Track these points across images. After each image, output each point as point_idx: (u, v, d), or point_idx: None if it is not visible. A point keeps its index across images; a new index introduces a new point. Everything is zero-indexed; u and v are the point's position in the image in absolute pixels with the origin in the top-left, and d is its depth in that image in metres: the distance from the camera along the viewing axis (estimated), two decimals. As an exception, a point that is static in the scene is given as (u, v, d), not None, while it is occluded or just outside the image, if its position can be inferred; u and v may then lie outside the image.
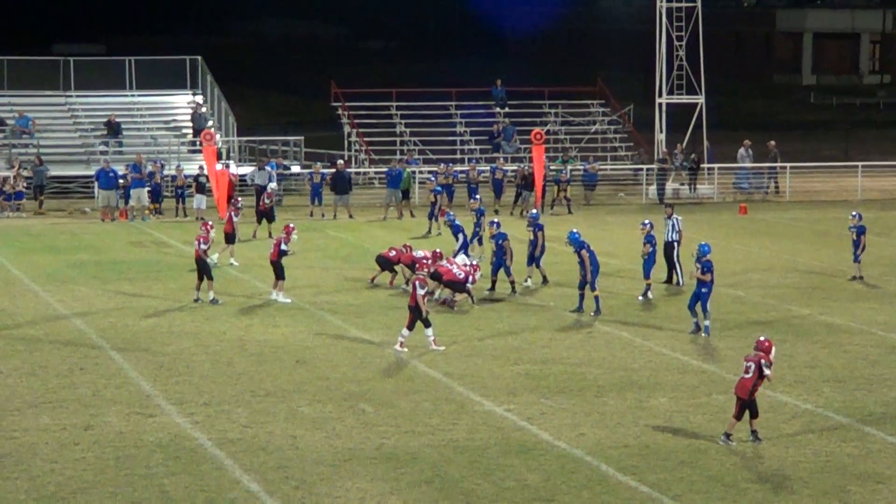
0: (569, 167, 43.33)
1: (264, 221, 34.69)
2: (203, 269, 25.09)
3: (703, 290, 22.14)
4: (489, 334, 22.64)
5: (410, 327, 21.07)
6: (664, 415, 17.50)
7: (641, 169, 45.52)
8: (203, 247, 25.13)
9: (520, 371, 19.94)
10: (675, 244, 27.37)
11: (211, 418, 17.24)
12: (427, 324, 21.12)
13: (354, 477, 14.95)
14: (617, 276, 27.90)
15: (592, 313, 24.06)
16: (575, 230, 25.14)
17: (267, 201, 35.11)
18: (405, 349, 20.99)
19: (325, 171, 41.11)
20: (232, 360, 20.67)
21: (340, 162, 41.87)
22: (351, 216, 39.86)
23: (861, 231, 27.72)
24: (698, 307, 22.31)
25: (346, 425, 16.95)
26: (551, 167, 43.37)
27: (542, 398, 18.36)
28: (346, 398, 18.29)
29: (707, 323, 21.99)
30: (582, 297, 24.37)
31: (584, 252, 24.32)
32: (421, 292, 20.88)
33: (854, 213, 28.44)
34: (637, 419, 17.28)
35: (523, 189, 41.12)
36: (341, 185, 40.21)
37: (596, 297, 24.15)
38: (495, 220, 27.22)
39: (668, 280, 27.41)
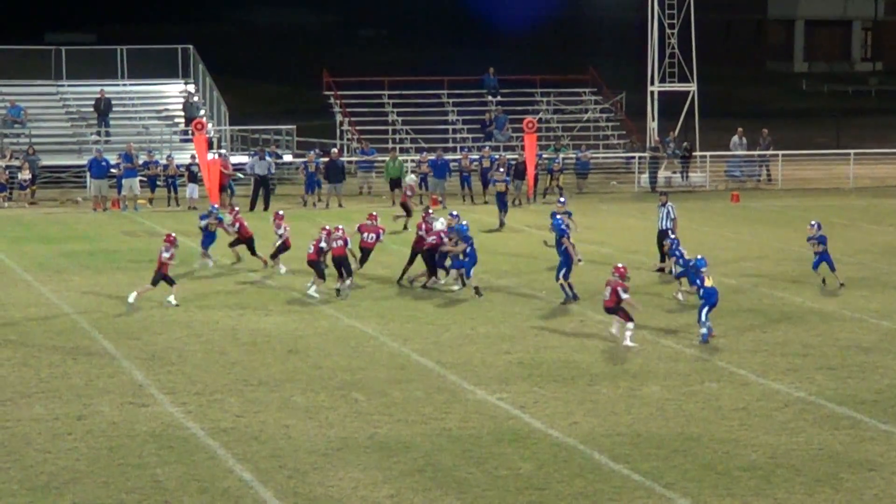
0: (561, 155, 43.33)
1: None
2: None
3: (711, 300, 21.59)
4: (481, 322, 22.61)
5: (628, 318, 20.78)
6: (657, 403, 17.50)
7: (634, 157, 45.51)
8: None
9: (512, 359, 19.93)
10: (670, 231, 27.34)
11: (203, 408, 17.22)
12: (630, 319, 20.80)
13: (347, 466, 14.94)
14: (608, 264, 27.84)
15: (562, 302, 24.07)
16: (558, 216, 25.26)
17: (409, 193, 34.80)
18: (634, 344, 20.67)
19: (319, 159, 41.07)
20: (224, 349, 20.64)
21: (334, 150, 41.85)
22: (341, 205, 39.79)
23: (822, 241, 25.79)
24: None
25: (339, 414, 16.93)
26: (543, 155, 43.35)
27: (534, 386, 18.35)
28: (339, 387, 18.28)
29: (703, 331, 21.28)
30: (571, 285, 24.34)
31: (565, 239, 24.44)
32: (625, 295, 20.76)
33: (813, 222, 26.44)
34: (630, 407, 17.27)
35: (514, 178, 41.11)
36: (335, 173, 40.17)
37: (562, 286, 24.23)
38: (454, 211, 26.75)
39: (661, 269, 27.40)
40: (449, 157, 43.16)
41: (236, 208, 28.97)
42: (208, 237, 27.76)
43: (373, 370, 19.26)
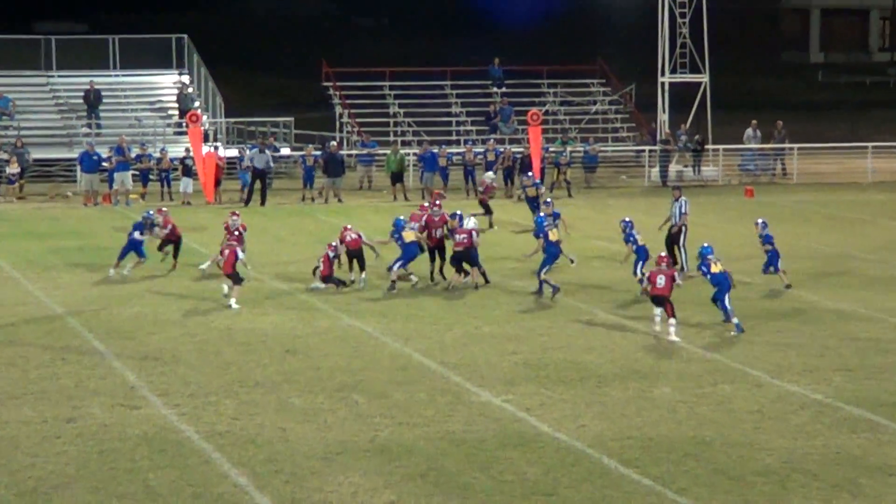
0: (568, 149, 43.31)
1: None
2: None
3: (725, 285, 22.01)
4: (486, 322, 22.61)
5: (673, 313, 21.27)
6: (668, 405, 17.46)
7: (644, 150, 45.50)
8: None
9: (518, 360, 19.92)
10: (683, 228, 27.30)
11: (198, 410, 17.20)
12: (674, 314, 21.24)
13: (347, 470, 14.91)
14: (617, 261, 27.84)
15: (535, 293, 24.40)
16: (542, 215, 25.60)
17: (480, 188, 34.66)
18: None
19: (317, 153, 41.05)
20: (219, 349, 20.62)
21: (333, 143, 41.85)
22: (340, 200, 39.79)
23: (768, 240, 25.77)
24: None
25: (338, 417, 16.91)
26: (550, 149, 43.31)
27: (541, 388, 18.33)
28: (338, 389, 18.25)
29: (735, 321, 21.66)
30: (542, 283, 24.62)
31: (541, 240, 25.07)
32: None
33: (758, 220, 26.39)
34: (640, 410, 17.24)
35: (511, 172, 41.09)
36: (334, 167, 40.17)
37: (543, 282, 24.54)
38: (457, 212, 26.90)
39: (673, 261, 27.39)
40: (453, 150, 43.18)
41: (164, 209, 28.53)
42: (134, 245, 26.68)
43: (373, 371, 19.24)
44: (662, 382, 18.61)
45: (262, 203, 38.64)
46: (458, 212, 26.70)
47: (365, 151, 44.03)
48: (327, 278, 25.23)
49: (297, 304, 24.13)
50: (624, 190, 42.79)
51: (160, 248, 27.32)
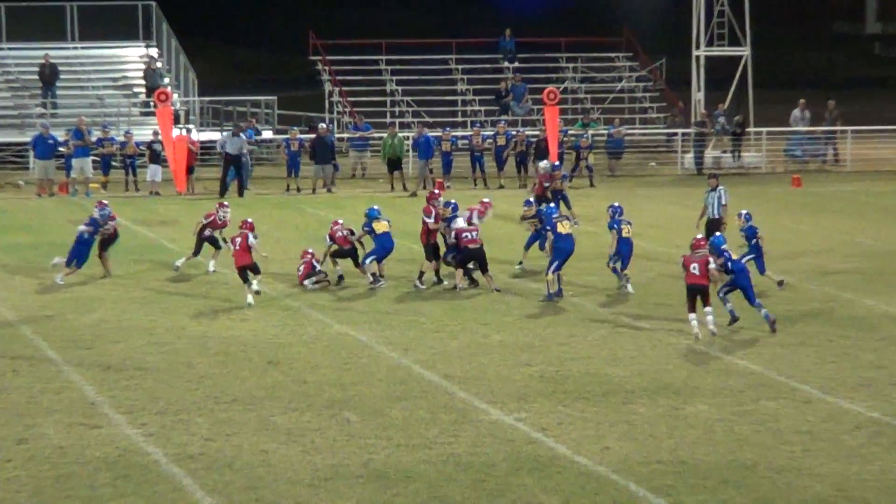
0: (590, 131, 43.34)
1: None
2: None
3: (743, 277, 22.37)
4: (496, 329, 22.61)
5: (708, 301, 21.75)
6: (704, 424, 17.45)
7: (676, 134, 45.61)
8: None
9: (533, 373, 19.92)
10: (722, 221, 27.31)
11: (167, 430, 17.19)
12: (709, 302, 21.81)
13: (337, 499, 14.90)
14: (646, 259, 27.80)
15: (550, 297, 24.57)
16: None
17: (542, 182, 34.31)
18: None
19: (304, 136, 41.10)
20: (192, 360, 20.63)
21: (322, 126, 41.97)
22: (329, 190, 39.80)
23: (752, 233, 25.53)
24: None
25: (328, 438, 16.90)
26: (569, 132, 43.36)
27: (559, 405, 18.30)
28: (328, 405, 18.25)
29: (764, 311, 22.22)
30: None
31: (549, 232, 25.10)
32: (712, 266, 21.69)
33: (742, 212, 26.04)
34: (672, 430, 17.23)
35: (524, 159, 41.14)
36: (323, 153, 40.22)
37: (550, 283, 24.68)
38: (452, 201, 26.95)
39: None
40: (458, 133, 43.25)
41: (105, 201, 28.42)
42: (84, 246, 26.41)
43: (368, 385, 19.24)
44: (697, 398, 18.58)
45: (240, 193, 38.70)
46: (453, 201, 26.77)
47: (358, 135, 44.19)
48: (311, 274, 25.79)
49: (281, 309, 24.13)
50: (653, 178, 42.82)
51: (101, 251, 26.85)
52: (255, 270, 24.55)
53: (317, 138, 40.60)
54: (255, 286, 24.36)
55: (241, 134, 40.14)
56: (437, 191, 27.59)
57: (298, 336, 22.16)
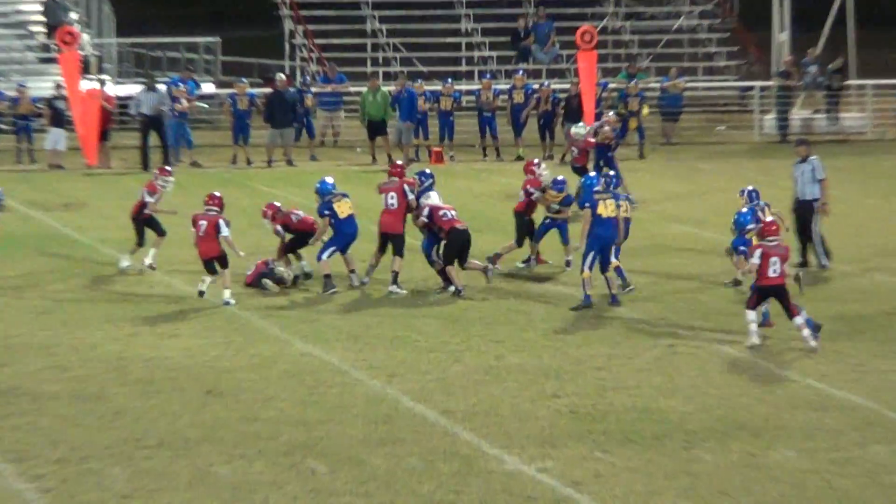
0: (638, 85, 43.21)
1: None
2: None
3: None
4: (512, 347, 22.57)
5: (796, 310, 22.32)
6: (792, 476, 17.45)
7: (752, 88, 45.51)
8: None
9: (561, 407, 19.84)
10: (814, 204, 27.28)
11: (70, 484, 17.13)
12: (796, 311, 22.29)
13: (299, 576, 14.90)
14: (714, 255, 27.76)
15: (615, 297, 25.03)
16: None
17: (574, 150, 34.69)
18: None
19: (256, 91, 41.03)
20: (105, 389, 20.57)
21: (281, 77, 41.80)
22: (290, 162, 39.75)
23: (745, 222, 25.66)
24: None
25: (287, 495, 16.87)
26: (610, 85, 43.31)
27: (597, 450, 18.26)
28: (287, 451, 18.21)
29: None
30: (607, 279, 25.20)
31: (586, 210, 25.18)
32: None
33: (748, 188, 26.62)
34: (749, 483, 17.23)
35: (550, 120, 41.18)
36: (282, 113, 40.14)
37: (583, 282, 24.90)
38: (426, 170, 27.59)
39: (803, 261, 27.48)
40: (462, 87, 43.20)
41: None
42: None
43: (340, 424, 19.15)
44: (783, 442, 18.56)
45: (166, 161, 38.51)
46: (427, 170, 27.15)
47: (329, 89, 44.04)
48: (263, 277, 26.16)
49: (225, 321, 24.13)
50: (722, 147, 42.77)
51: None
52: (224, 262, 24.76)
53: (273, 94, 40.57)
54: (226, 296, 24.83)
55: (159, 87, 40.01)
56: (537, 160, 28.05)
57: (248, 357, 22.08)
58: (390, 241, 26.30)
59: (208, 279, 25.22)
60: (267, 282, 26.00)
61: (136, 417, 19.40)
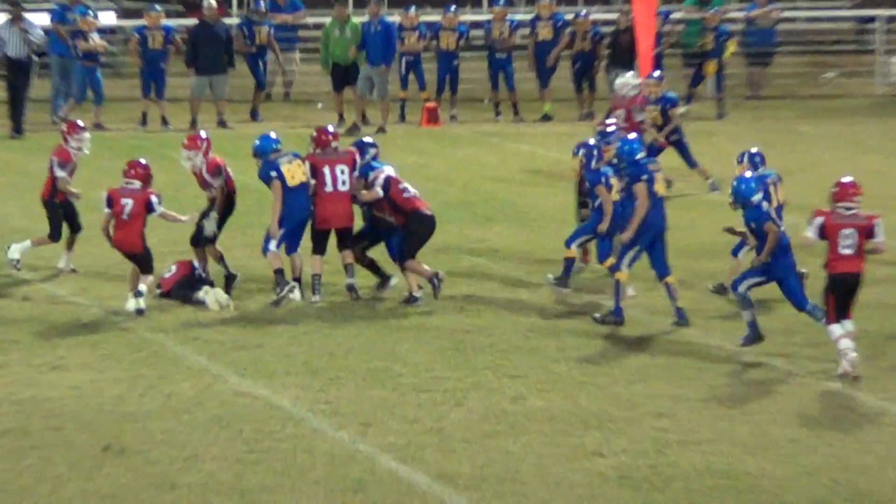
0: (718, 15, 43.10)
1: None
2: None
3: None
4: (536, 385, 22.46)
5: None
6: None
7: (874, 19, 45.64)
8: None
9: (607, 469, 19.59)
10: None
11: None
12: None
13: None
14: (814, 254, 27.30)
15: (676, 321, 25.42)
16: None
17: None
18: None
19: (174, 24, 40.98)
20: (-36, 442, 20.58)
21: (211, 4, 41.62)
22: (223, 122, 39.64)
23: (748, 193, 25.79)
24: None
25: None
26: (672, 15, 43.17)
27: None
28: (216, 533, 18.04)
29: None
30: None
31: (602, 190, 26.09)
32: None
33: (753, 150, 27.76)
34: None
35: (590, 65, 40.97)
36: (213, 55, 40.00)
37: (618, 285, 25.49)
38: (368, 138, 27.98)
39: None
40: (468, 17, 43.42)
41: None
42: None
43: (294, 493, 18.89)
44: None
45: (17, 130, 38.66)
46: (368, 138, 27.77)
47: (279, 21, 43.88)
48: (181, 285, 26.59)
49: (128, 348, 24.12)
50: (832, 102, 42.86)
51: None
52: (144, 264, 25.53)
53: (199, 26, 40.46)
54: (137, 303, 25.30)
55: (24, 21, 40.00)
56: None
57: (161, 399, 21.97)
58: (339, 236, 26.55)
59: (130, 302, 25.48)
60: (208, 294, 25.83)
61: (7, 480, 19.21)
